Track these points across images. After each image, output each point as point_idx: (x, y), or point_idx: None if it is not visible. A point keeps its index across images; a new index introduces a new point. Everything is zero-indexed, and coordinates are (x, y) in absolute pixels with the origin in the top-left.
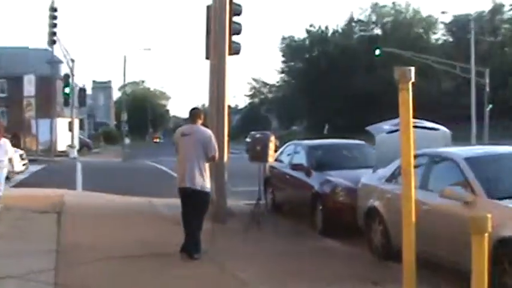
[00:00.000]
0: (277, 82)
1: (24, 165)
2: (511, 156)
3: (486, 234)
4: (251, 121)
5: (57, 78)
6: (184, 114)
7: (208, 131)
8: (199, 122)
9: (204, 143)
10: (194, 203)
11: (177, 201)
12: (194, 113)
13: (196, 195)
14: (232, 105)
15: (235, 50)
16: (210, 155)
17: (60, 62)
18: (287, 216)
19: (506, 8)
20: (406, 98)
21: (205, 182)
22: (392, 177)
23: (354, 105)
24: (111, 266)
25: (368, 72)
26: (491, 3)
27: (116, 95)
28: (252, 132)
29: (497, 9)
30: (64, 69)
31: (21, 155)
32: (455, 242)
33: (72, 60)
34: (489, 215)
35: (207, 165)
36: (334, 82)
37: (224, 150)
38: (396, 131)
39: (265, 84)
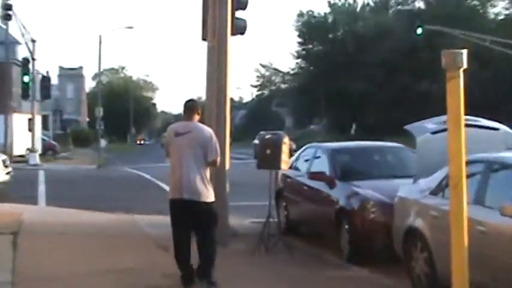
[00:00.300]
0: (292, 69)
1: (8, 173)
2: None
3: None
4: (259, 118)
5: (13, 64)
6: (175, 109)
7: (209, 129)
8: (197, 117)
9: (204, 143)
10: (195, 220)
11: (165, 219)
12: (190, 106)
13: (198, 208)
14: (236, 98)
15: (239, 28)
16: (210, 159)
17: (17, 42)
18: (304, 238)
19: None
20: (456, 89)
21: (208, 191)
22: (438, 190)
23: (389, 99)
24: None
25: (407, 56)
26: None
27: (89, 85)
28: (262, 133)
29: None
30: (22, 52)
31: (3, 161)
32: None
33: (33, 41)
34: None
35: (208, 170)
36: (363, 69)
37: (226, 155)
38: (443, 130)
39: (277, 71)
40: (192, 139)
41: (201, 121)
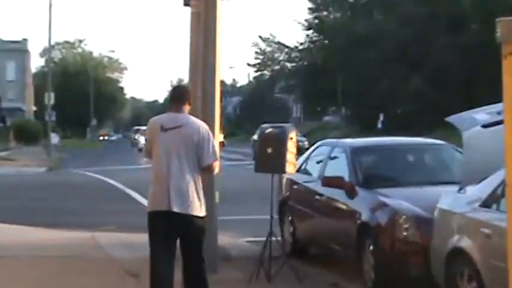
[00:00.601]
0: (301, 44)
1: None
2: None
3: None
4: (258, 107)
5: None
6: (149, 95)
7: (204, 125)
8: (188, 108)
9: (198, 142)
10: (185, 239)
11: (137, 238)
12: (180, 94)
13: (188, 223)
14: (229, 81)
15: None
16: (205, 163)
17: None
18: (316, 261)
19: None
20: None
21: (201, 203)
22: (491, 200)
23: (427, 82)
24: None
25: (451, 28)
26: None
27: (37, 63)
28: (263, 126)
29: None
30: None
31: None
32: None
33: None
34: None
35: (200, 177)
36: (393, 45)
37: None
38: (498, 123)
39: (281, 46)
40: (183, 136)
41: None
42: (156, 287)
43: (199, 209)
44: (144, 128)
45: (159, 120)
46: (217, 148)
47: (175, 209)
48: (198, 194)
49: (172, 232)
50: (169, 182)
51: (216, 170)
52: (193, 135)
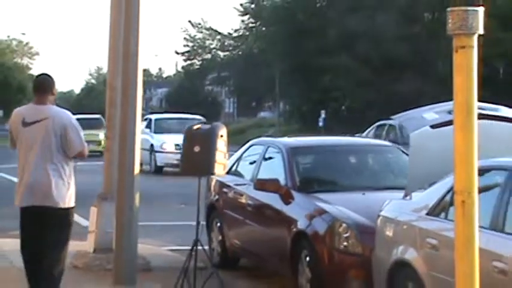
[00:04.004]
0: (236, 30)
1: None
2: None
3: None
4: (187, 100)
5: None
6: (64, 84)
7: (67, 115)
8: (52, 98)
9: (61, 134)
10: (44, 228)
11: None
12: (43, 82)
13: (52, 215)
14: (154, 71)
15: None
16: (74, 153)
17: None
18: (248, 273)
19: None
20: (468, 64)
21: (68, 193)
22: (439, 208)
23: (375, 75)
24: None
25: (403, 17)
26: None
27: None
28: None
29: None
30: None
31: None
32: None
33: None
34: None
35: (69, 167)
36: (340, 34)
37: (135, 155)
38: (448, 123)
39: (214, 33)
40: (45, 130)
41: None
42: (27, 265)
43: (64, 200)
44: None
45: (22, 113)
46: (80, 134)
47: (38, 202)
48: (64, 184)
49: (36, 225)
50: (28, 177)
51: (86, 155)
52: (55, 128)
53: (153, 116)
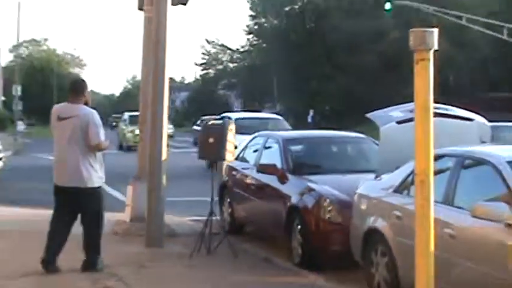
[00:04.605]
0: (242, 47)
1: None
2: None
3: None
4: (204, 102)
5: None
6: (106, 89)
7: (92, 115)
8: (84, 99)
9: (82, 128)
10: (77, 206)
11: None
12: (76, 85)
13: (79, 193)
14: (178, 78)
15: None
16: (91, 144)
17: None
18: (251, 238)
19: None
20: (425, 73)
21: (92, 175)
22: (402, 187)
23: (352, 83)
24: None
25: (374, 35)
26: None
27: (5, 58)
28: (204, 118)
29: None
30: None
31: None
32: (493, 279)
33: None
34: None
35: (94, 155)
36: (324, 49)
37: (162, 143)
38: (410, 120)
39: (224, 48)
40: (73, 125)
41: (87, 103)
42: (51, 228)
43: (89, 182)
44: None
45: (58, 110)
46: (101, 131)
47: (68, 184)
48: (87, 169)
49: (66, 201)
50: (61, 161)
51: (104, 147)
52: (81, 124)
53: (234, 115)
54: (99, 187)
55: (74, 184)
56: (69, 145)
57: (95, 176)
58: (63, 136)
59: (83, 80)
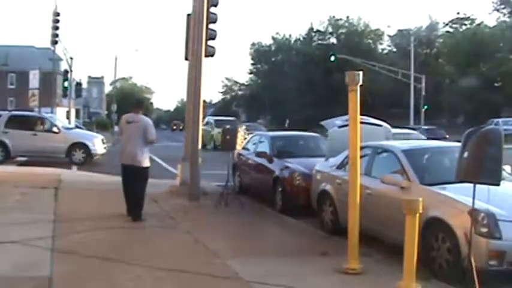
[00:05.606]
0: (246, 81)
1: (104, 148)
2: (440, 149)
3: (417, 215)
4: (223, 114)
5: (58, 73)
6: (166, 106)
7: (148, 121)
8: (141, 111)
9: (143, 129)
10: (134, 177)
11: (157, 182)
12: (138, 103)
13: (137, 170)
14: (207, 100)
15: (210, 52)
16: (148, 140)
17: (61, 59)
18: (252, 196)
19: (440, 25)
20: (355, 98)
21: (145, 159)
22: (341, 165)
23: (311, 103)
24: (99, 234)
25: (325, 75)
26: (428, 19)
27: (108, 89)
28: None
29: (433, 26)
30: (64, 66)
31: (102, 140)
32: (393, 220)
33: (71, 58)
34: (421, 199)
35: (146, 146)
36: (295, 83)
37: (198, 139)
38: (346, 125)
39: (236, 82)
40: (137, 127)
41: (145, 114)
42: (125, 192)
43: (142, 163)
44: (175, 121)
45: (127, 117)
46: (153, 131)
47: (129, 163)
48: (143, 154)
49: (128, 174)
50: (126, 149)
51: (155, 141)
52: (142, 127)
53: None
54: (148, 167)
55: (134, 163)
56: (133, 139)
57: (146, 159)
58: (129, 134)
59: (142, 100)
